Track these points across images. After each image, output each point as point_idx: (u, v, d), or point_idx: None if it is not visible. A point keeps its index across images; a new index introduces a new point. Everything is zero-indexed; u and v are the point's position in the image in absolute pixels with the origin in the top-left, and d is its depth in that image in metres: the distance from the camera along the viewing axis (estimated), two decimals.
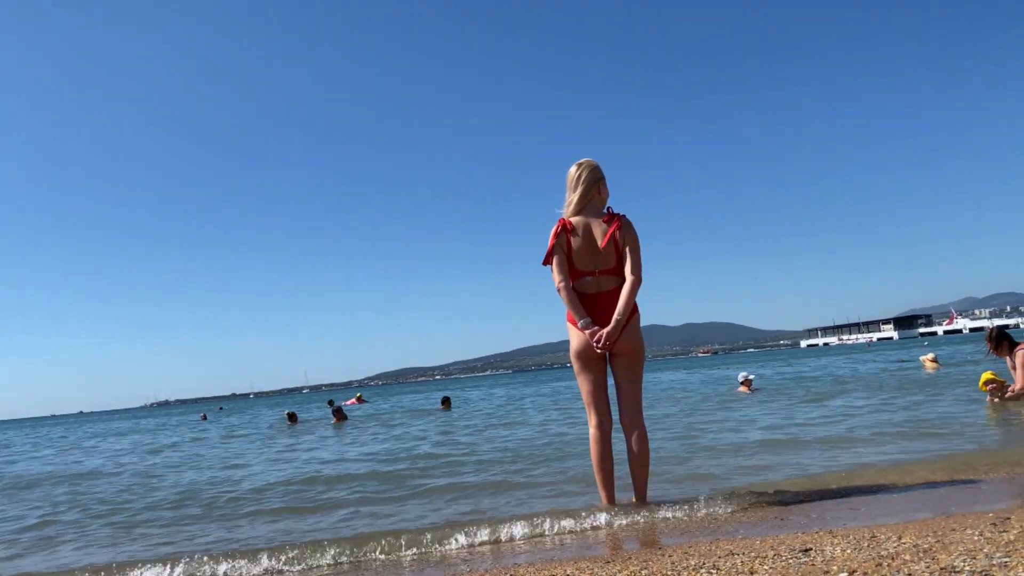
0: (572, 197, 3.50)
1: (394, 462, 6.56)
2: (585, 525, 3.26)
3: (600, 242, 3.39)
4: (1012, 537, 2.22)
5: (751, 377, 12.96)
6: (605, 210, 3.49)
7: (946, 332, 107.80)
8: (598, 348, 3.33)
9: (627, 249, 3.39)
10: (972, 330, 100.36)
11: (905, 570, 1.96)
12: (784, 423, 7.09)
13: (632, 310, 3.37)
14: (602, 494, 3.51)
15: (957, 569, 1.92)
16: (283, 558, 3.07)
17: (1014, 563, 1.92)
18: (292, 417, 16.31)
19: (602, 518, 3.29)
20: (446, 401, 17.05)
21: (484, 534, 3.21)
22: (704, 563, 2.29)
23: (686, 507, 3.39)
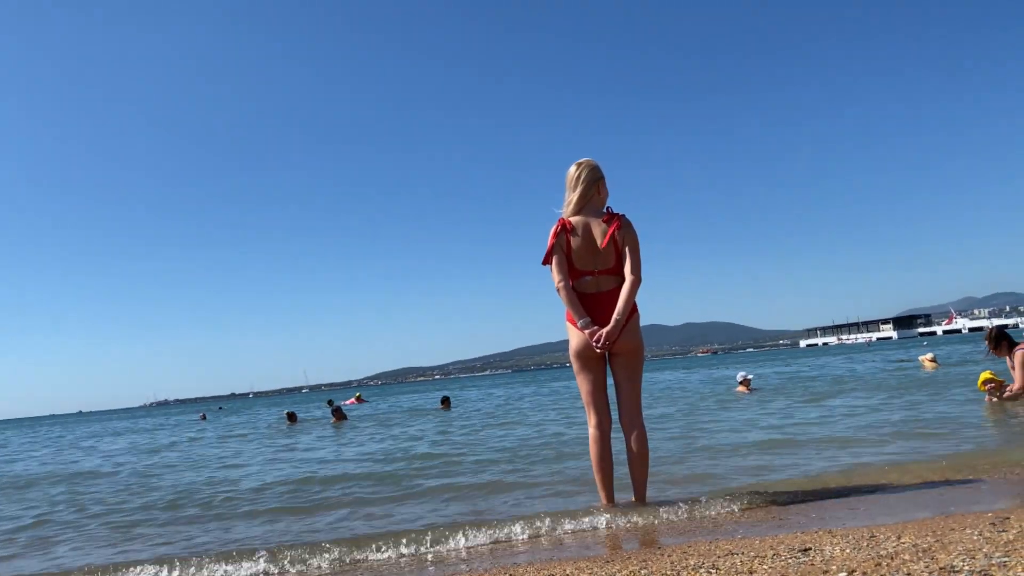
0: (572, 197, 3.50)
1: (393, 462, 6.55)
2: (584, 525, 3.25)
3: (600, 242, 3.38)
4: (1011, 537, 2.22)
5: (750, 377, 12.96)
6: (604, 210, 3.49)
7: (945, 332, 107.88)
8: (598, 348, 3.33)
9: (626, 249, 3.38)
10: (971, 330, 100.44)
11: (904, 570, 1.96)
12: (783, 423, 7.09)
13: (632, 310, 3.36)
14: (601, 494, 3.51)
15: (956, 569, 1.91)
16: (281, 559, 3.07)
17: (1013, 563, 1.91)
18: (292, 417, 16.31)
19: (601, 518, 3.28)
20: (446, 401, 17.05)
21: (483, 534, 3.21)
22: (703, 563, 2.29)
23: (685, 507, 3.39)
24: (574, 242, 3.40)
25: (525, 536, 3.20)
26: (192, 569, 3.00)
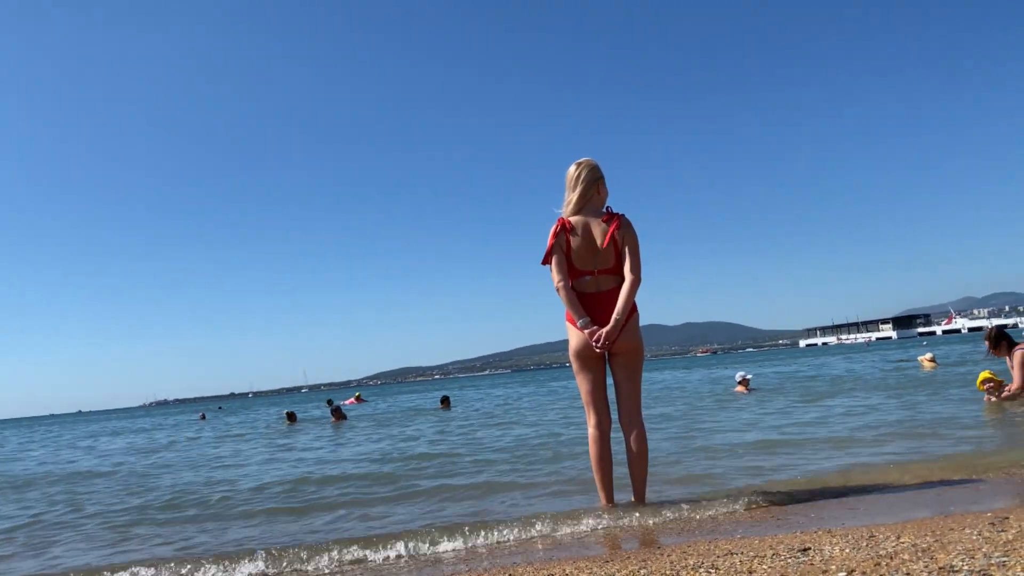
0: (571, 196, 3.50)
1: (392, 462, 6.55)
2: (583, 525, 3.25)
3: (599, 241, 3.38)
4: (1010, 536, 2.22)
5: (748, 377, 12.95)
6: (604, 209, 3.49)
7: (945, 332, 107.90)
8: (597, 348, 3.33)
9: (626, 249, 3.38)
10: (971, 330, 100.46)
11: (904, 569, 1.96)
12: (782, 423, 7.09)
13: (631, 310, 3.36)
14: (601, 494, 3.51)
15: (955, 568, 1.91)
16: (279, 560, 3.07)
17: (1012, 562, 1.91)
18: (291, 416, 16.30)
19: (601, 518, 3.28)
20: (445, 400, 17.05)
21: (482, 534, 3.21)
22: (703, 562, 2.29)
23: (684, 507, 3.39)
24: (574, 242, 3.40)
25: (524, 536, 3.20)
26: (189, 569, 3.00)
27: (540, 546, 3.02)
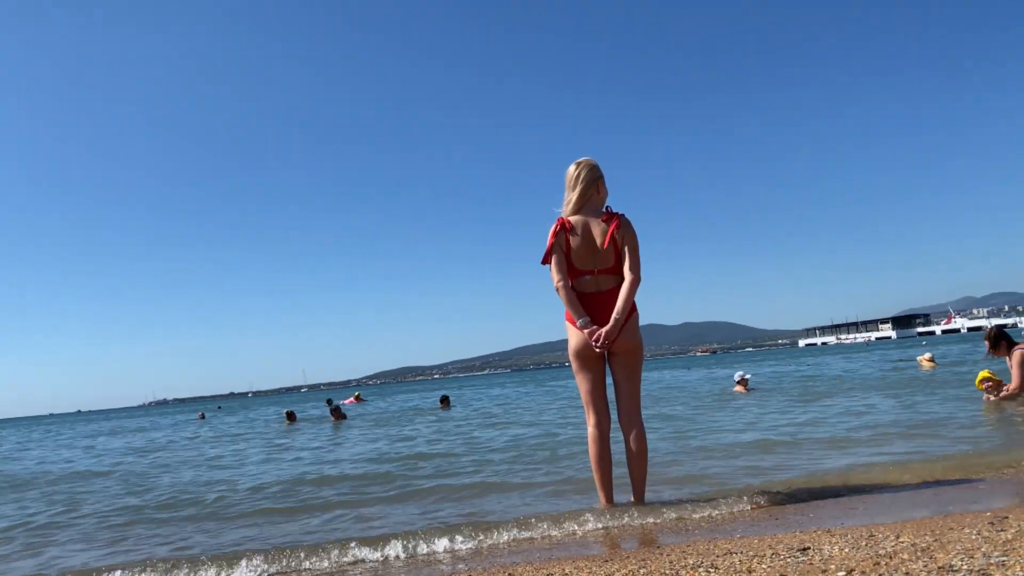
0: (571, 196, 3.50)
1: (391, 462, 6.55)
2: (583, 524, 3.25)
3: (599, 241, 3.38)
4: (1010, 536, 2.22)
5: (747, 377, 12.95)
6: (604, 209, 3.49)
7: (944, 332, 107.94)
8: (597, 347, 3.33)
9: (626, 248, 3.38)
10: (970, 329, 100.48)
11: (903, 569, 1.96)
12: (781, 423, 7.10)
13: (631, 309, 3.36)
14: (600, 494, 3.51)
15: (955, 568, 1.91)
16: (277, 560, 3.06)
17: (1012, 562, 1.92)
18: (291, 416, 16.30)
19: (600, 517, 3.28)
20: (445, 400, 17.05)
21: (481, 534, 3.21)
22: (702, 562, 2.29)
23: (684, 507, 3.39)
24: (573, 241, 3.40)
25: (524, 536, 3.19)
26: (187, 569, 3.00)
27: (539, 546, 3.02)
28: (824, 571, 2.03)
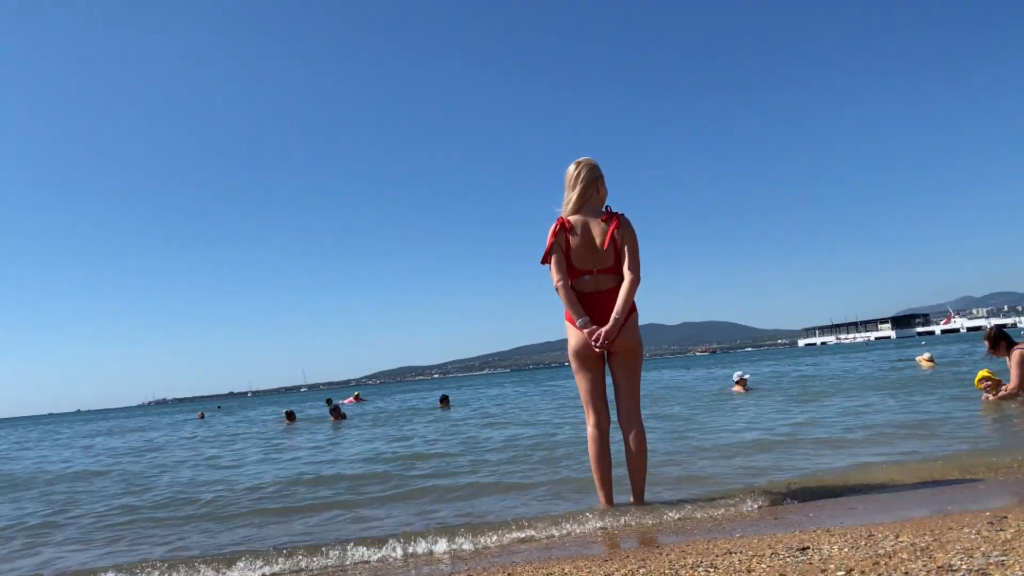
0: (571, 196, 3.50)
1: (390, 461, 6.54)
2: (583, 524, 3.25)
3: (598, 241, 3.38)
4: (1009, 536, 2.22)
5: (746, 376, 12.95)
6: (604, 208, 3.48)
7: (943, 331, 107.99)
8: (596, 347, 3.32)
9: (625, 248, 3.38)
10: (969, 329, 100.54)
11: (902, 568, 1.96)
12: (780, 422, 7.10)
13: (630, 309, 3.36)
14: (600, 494, 3.50)
15: (954, 567, 1.91)
16: (276, 561, 3.06)
17: (1011, 562, 1.91)
18: (290, 416, 16.29)
19: (600, 517, 3.28)
20: (444, 400, 17.05)
21: (481, 534, 3.20)
22: (702, 562, 2.28)
23: (684, 507, 3.39)
24: (573, 241, 3.39)
25: (523, 536, 3.19)
26: (185, 570, 2.99)
27: (539, 545, 3.02)
28: (823, 571, 2.03)
